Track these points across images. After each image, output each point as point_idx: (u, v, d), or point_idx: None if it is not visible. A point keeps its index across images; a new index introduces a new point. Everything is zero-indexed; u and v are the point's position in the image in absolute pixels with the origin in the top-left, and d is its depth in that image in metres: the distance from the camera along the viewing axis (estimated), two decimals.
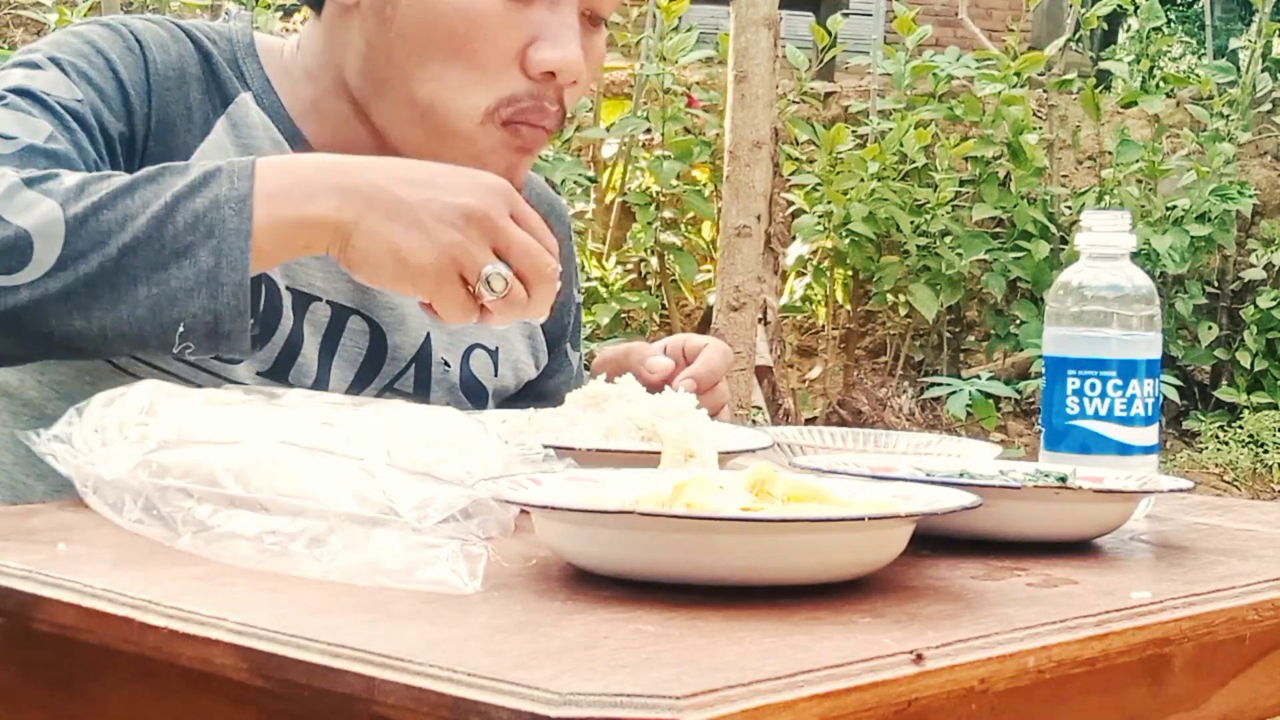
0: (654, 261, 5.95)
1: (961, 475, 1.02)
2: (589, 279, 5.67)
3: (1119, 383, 1.16)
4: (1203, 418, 6.32)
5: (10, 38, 6.33)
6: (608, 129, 5.89)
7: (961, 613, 0.78)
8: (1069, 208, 6.40)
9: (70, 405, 0.98)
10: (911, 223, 5.99)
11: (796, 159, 6.23)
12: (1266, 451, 5.98)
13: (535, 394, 1.46)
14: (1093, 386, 1.17)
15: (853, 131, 6.21)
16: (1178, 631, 0.81)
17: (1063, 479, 1.01)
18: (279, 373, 1.27)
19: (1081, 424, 1.17)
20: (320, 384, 1.30)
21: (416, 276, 1.07)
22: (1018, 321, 6.18)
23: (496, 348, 1.43)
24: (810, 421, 5.74)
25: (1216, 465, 5.95)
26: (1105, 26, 8.84)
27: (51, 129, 1.18)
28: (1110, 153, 6.48)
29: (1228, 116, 6.71)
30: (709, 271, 5.82)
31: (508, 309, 1.09)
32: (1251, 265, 6.52)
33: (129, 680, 0.79)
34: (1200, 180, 6.26)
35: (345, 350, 1.32)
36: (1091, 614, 0.77)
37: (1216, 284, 6.61)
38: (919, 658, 0.67)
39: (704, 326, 5.42)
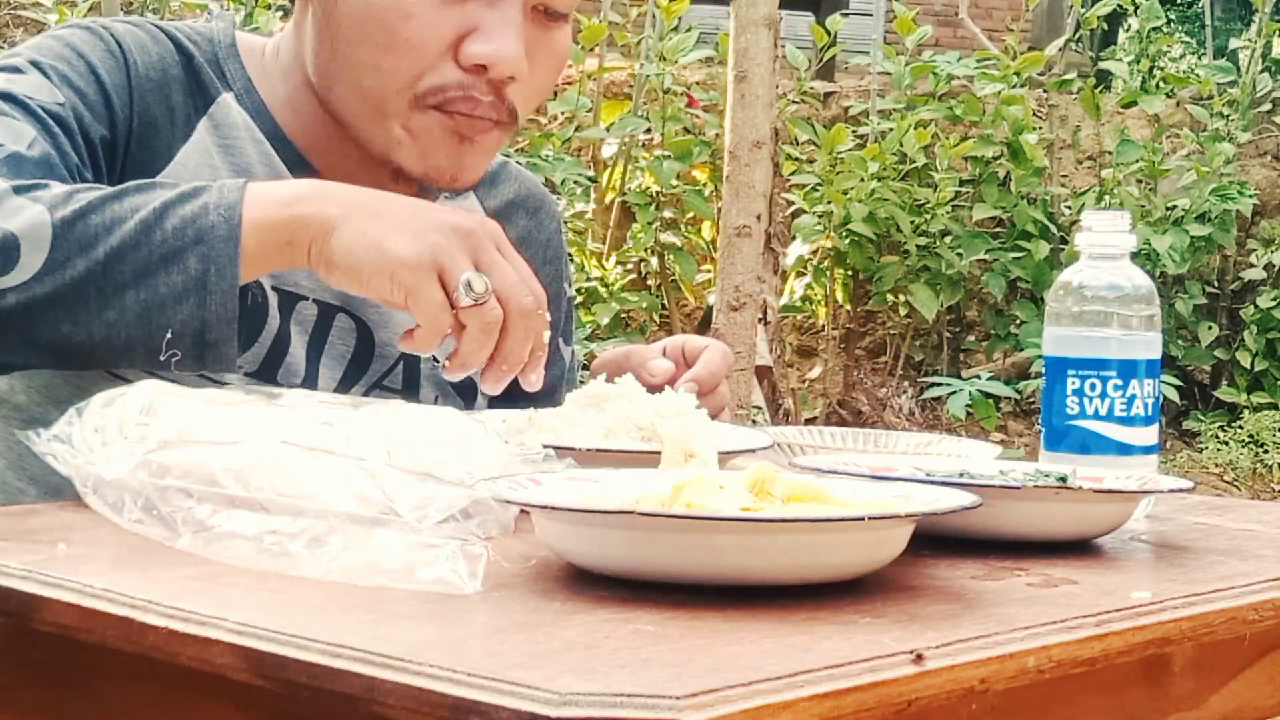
0: (654, 261, 5.95)
1: (961, 475, 1.02)
2: (589, 279, 5.67)
3: (1119, 383, 1.16)
4: (1203, 418, 6.32)
5: (10, 38, 6.33)
6: (608, 129, 5.89)
7: (961, 613, 0.78)
8: (1069, 208, 6.40)
9: (58, 409, 0.98)
10: (911, 223, 5.99)
11: (796, 159, 6.23)
12: (1266, 451, 5.98)
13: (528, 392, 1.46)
14: (1093, 386, 1.17)
15: (853, 131, 6.21)
16: (1178, 631, 0.81)
17: (1063, 479, 1.01)
18: (267, 372, 1.28)
19: (1081, 424, 1.17)
20: (308, 382, 1.30)
21: (396, 267, 1.05)
22: (1018, 321, 6.18)
23: None
24: (810, 421, 5.74)
25: (1216, 465, 5.95)
26: (1105, 26, 8.83)
27: (35, 133, 1.19)
28: (1110, 153, 6.48)
29: (1228, 116, 6.71)
30: (709, 271, 5.82)
31: (482, 329, 1.05)
32: (1251, 265, 6.52)
33: (129, 680, 0.79)
34: (1200, 180, 6.26)
35: (333, 348, 1.33)
36: (1091, 614, 0.77)
37: (1216, 284, 6.62)
38: (919, 658, 0.67)
39: (704, 326, 5.42)
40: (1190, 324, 6.43)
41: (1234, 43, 7.29)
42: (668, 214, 5.96)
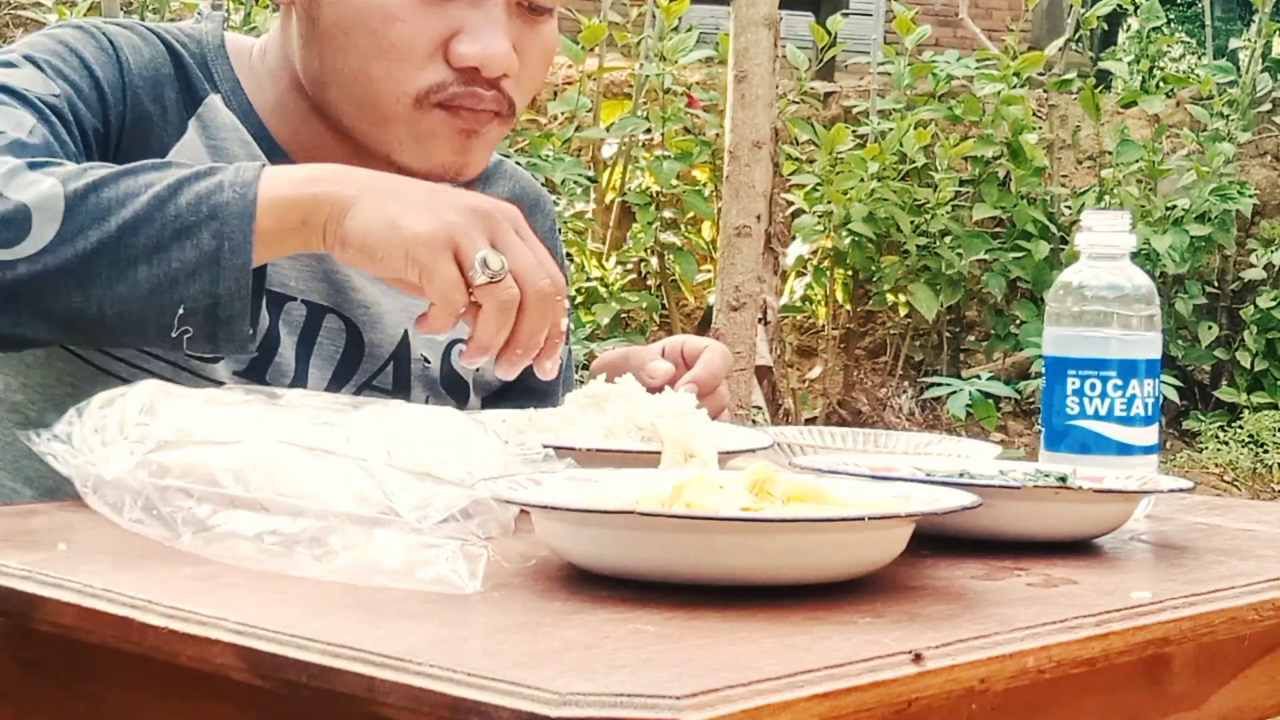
0: (654, 261, 5.95)
1: (961, 475, 1.02)
2: (589, 279, 5.67)
3: (1119, 383, 1.16)
4: (1203, 418, 6.32)
5: (10, 38, 6.33)
6: (608, 129, 5.89)
7: (961, 613, 0.78)
8: (1069, 208, 6.40)
9: (54, 408, 0.98)
10: (911, 223, 5.99)
11: (796, 159, 6.23)
12: (1266, 451, 5.98)
13: (523, 389, 1.46)
14: (1093, 386, 1.17)
15: (853, 131, 6.21)
16: (1178, 631, 0.81)
17: (1063, 479, 1.01)
18: (256, 372, 1.28)
19: (1081, 424, 1.17)
20: (298, 382, 1.30)
21: (411, 244, 1.03)
22: (1018, 321, 6.18)
23: None
24: (810, 421, 5.74)
25: (1216, 465, 5.95)
26: (1105, 26, 8.84)
27: (34, 122, 1.19)
28: (1110, 153, 6.47)
29: (1228, 116, 6.71)
30: (709, 271, 5.82)
31: (498, 308, 1.03)
32: (1251, 265, 6.52)
33: (129, 680, 0.79)
34: (1200, 180, 6.26)
35: (322, 349, 1.33)
36: (1091, 614, 0.77)
37: (1216, 284, 6.61)
38: (919, 658, 0.67)
39: (704, 326, 5.42)
40: (1190, 324, 6.43)
41: (1234, 43, 7.29)
42: (668, 214, 5.96)
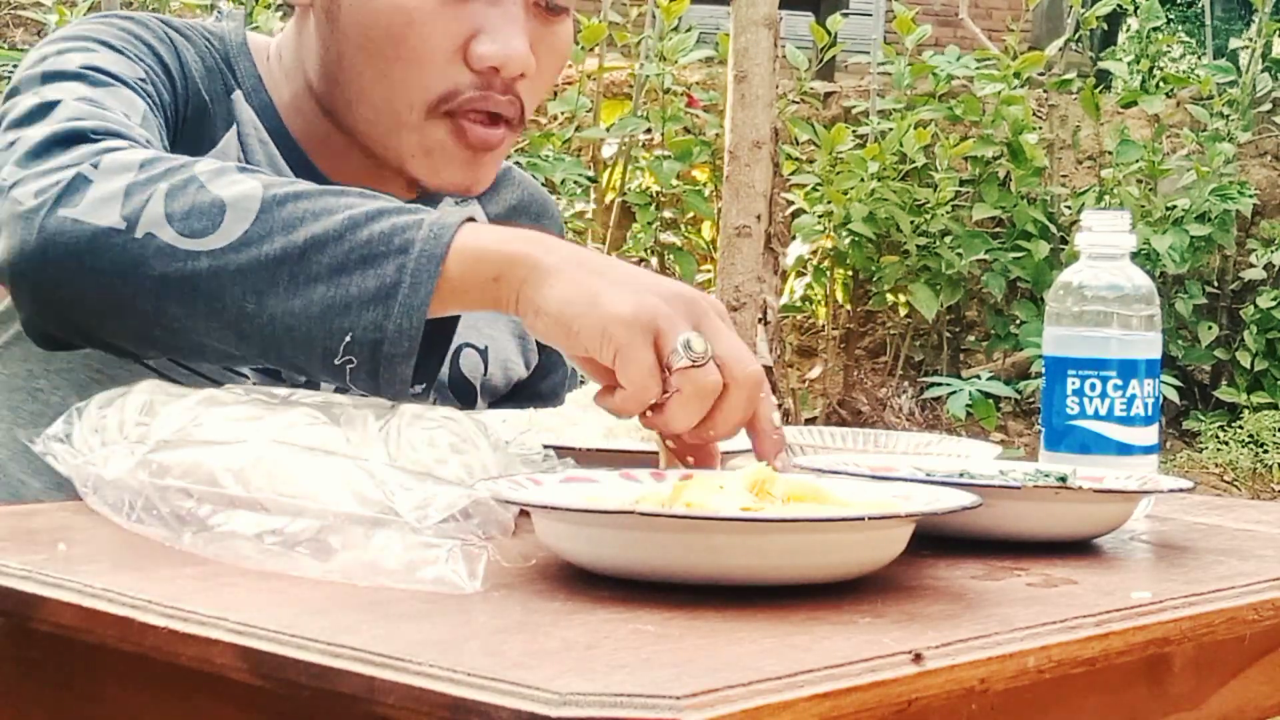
0: (654, 261, 5.95)
1: (961, 475, 1.02)
2: None
3: (1119, 383, 1.16)
4: (1203, 418, 6.32)
5: (10, 38, 6.33)
6: (608, 129, 5.89)
7: (961, 613, 0.78)
8: (1069, 208, 6.40)
9: (77, 393, 0.97)
10: (911, 223, 5.99)
11: (796, 159, 6.23)
12: (1266, 451, 5.98)
13: (530, 395, 1.46)
14: (1093, 386, 1.17)
15: (853, 131, 6.21)
16: (1178, 631, 0.81)
17: (1063, 479, 1.01)
18: (271, 372, 1.28)
19: (1081, 424, 1.17)
20: (311, 383, 1.30)
21: (609, 322, 0.94)
22: (1018, 321, 6.18)
23: (486, 346, 1.43)
24: (810, 421, 5.74)
25: (1216, 465, 5.95)
26: (1105, 26, 8.83)
27: (144, 105, 1.19)
28: (1110, 153, 6.47)
29: (1228, 116, 6.71)
30: (709, 271, 5.82)
31: (696, 393, 0.94)
32: (1251, 265, 6.52)
33: (129, 680, 0.79)
34: (1200, 180, 6.26)
35: None
36: (1091, 614, 0.77)
37: (1216, 284, 6.61)
38: (919, 658, 0.67)
39: None
40: (1190, 324, 6.43)
41: (1234, 43, 7.29)
42: (668, 214, 5.96)
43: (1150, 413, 1.17)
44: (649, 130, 5.90)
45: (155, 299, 1.03)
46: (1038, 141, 6.34)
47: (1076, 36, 7.16)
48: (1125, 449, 1.16)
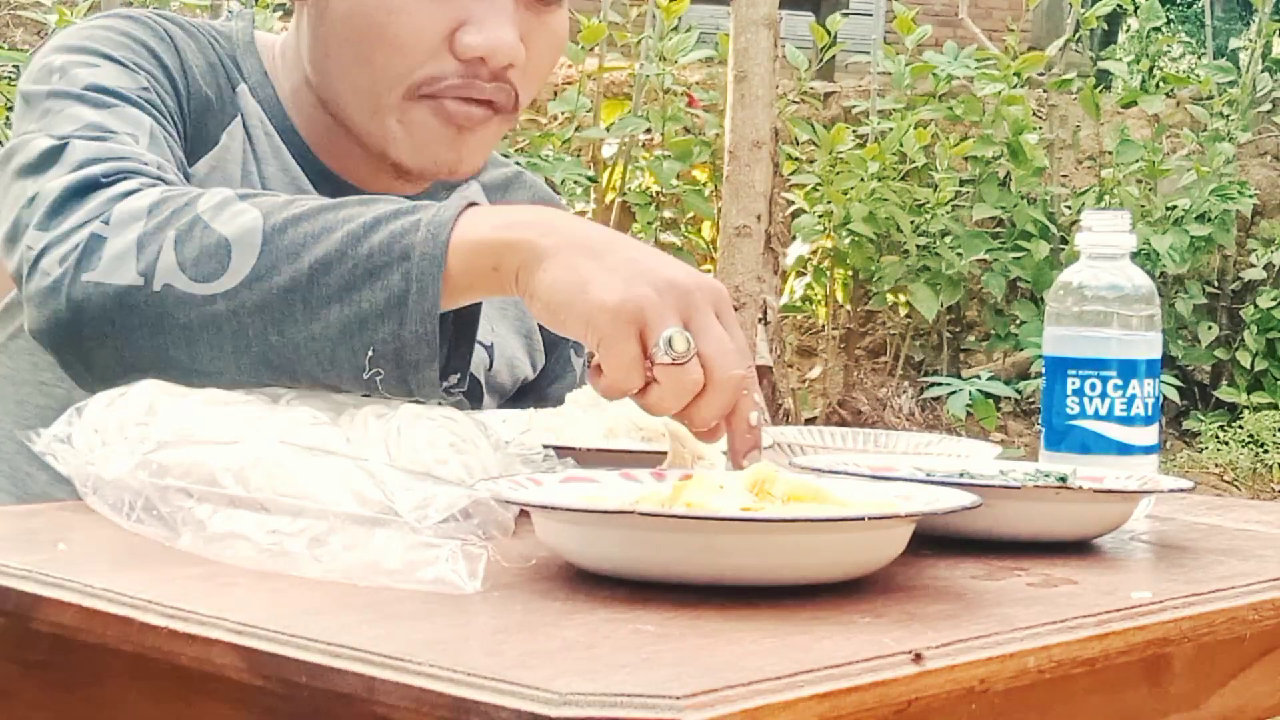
0: None
1: (961, 475, 1.02)
2: None
3: (1119, 383, 1.16)
4: (1203, 418, 6.32)
5: (10, 38, 6.33)
6: (608, 129, 5.89)
7: (961, 613, 0.78)
8: (1069, 208, 6.40)
9: (78, 393, 0.97)
10: (911, 223, 5.99)
11: (796, 159, 6.23)
12: (1266, 451, 5.98)
13: (538, 398, 1.46)
14: (1093, 386, 1.17)
15: (853, 131, 6.21)
16: (1178, 631, 0.81)
17: (1063, 479, 1.01)
18: None
19: (1081, 424, 1.17)
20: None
21: (595, 311, 0.94)
22: (1018, 321, 6.18)
23: (492, 344, 1.43)
24: (810, 421, 5.74)
25: (1216, 465, 5.95)
26: (1105, 26, 8.84)
27: (150, 121, 1.21)
28: (1110, 153, 6.48)
29: (1228, 116, 6.71)
30: (709, 271, 5.82)
31: (674, 390, 0.94)
32: (1251, 265, 6.52)
33: (129, 680, 0.79)
34: (1200, 180, 6.26)
35: None
36: (1091, 614, 0.77)
37: (1216, 284, 6.62)
38: (919, 658, 0.67)
39: None
40: (1190, 324, 6.43)
41: (1234, 43, 7.29)
42: (668, 214, 5.96)
43: (1150, 413, 1.17)
44: (649, 130, 5.90)
45: (186, 346, 1.05)
46: (1038, 141, 6.34)
47: (1076, 36, 7.16)
48: (1125, 449, 1.16)
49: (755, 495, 0.85)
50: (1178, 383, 6.10)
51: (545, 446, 1.06)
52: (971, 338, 6.64)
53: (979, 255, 6.09)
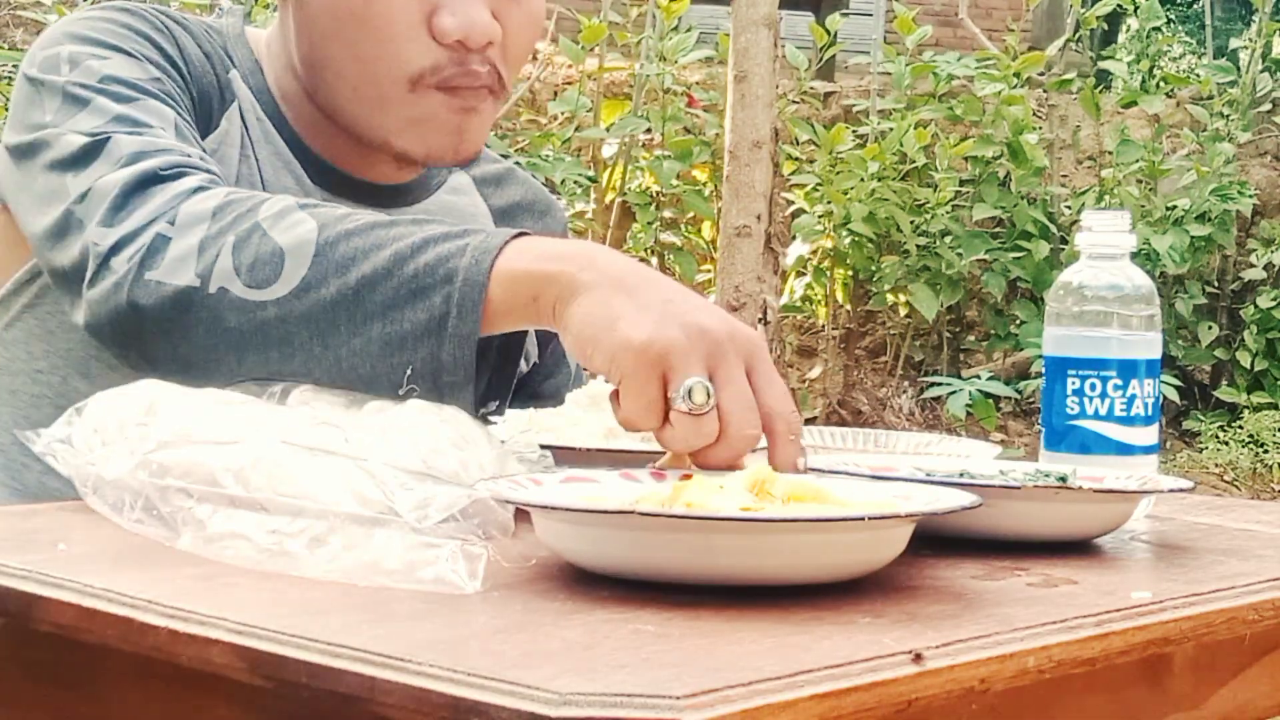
0: (654, 261, 5.95)
1: (961, 475, 1.02)
2: None
3: (1119, 383, 1.16)
4: (1203, 418, 6.32)
5: (10, 38, 6.33)
6: (608, 129, 5.89)
7: (961, 613, 0.78)
8: (1069, 208, 6.40)
9: (78, 373, 0.97)
10: (911, 223, 5.99)
11: (796, 159, 6.23)
12: (1266, 451, 5.98)
13: (532, 395, 1.47)
14: (1093, 386, 1.17)
15: (853, 131, 6.21)
16: (1178, 631, 0.81)
17: (1063, 479, 1.01)
18: None
19: (1081, 424, 1.17)
20: None
21: (620, 348, 0.94)
22: (1018, 321, 6.18)
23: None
24: (810, 421, 5.74)
25: (1216, 465, 5.95)
26: (1105, 26, 8.84)
27: (171, 112, 1.22)
28: (1110, 153, 6.48)
29: (1228, 116, 6.71)
30: (709, 271, 5.82)
31: (689, 435, 0.93)
32: (1251, 265, 6.52)
33: (129, 680, 0.79)
34: (1200, 180, 6.26)
35: None
36: (1091, 614, 0.77)
37: (1216, 284, 6.61)
38: (919, 658, 0.67)
39: None
40: (1190, 324, 6.43)
41: (1234, 43, 7.29)
42: (668, 214, 5.96)
43: (1150, 413, 1.17)
44: (649, 130, 5.90)
45: (235, 349, 1.06)
46: (1038, 141, 6.34)
47: (1076, 36, 7.16)
48: (1125, 449, 1.16)
49: (755, 495, 0.85)
50: (1178, 383, 6.10)
51: (543, 447, 1.06)
52: (971, 338, 6.64)
53: (979, 255, 6.08)
